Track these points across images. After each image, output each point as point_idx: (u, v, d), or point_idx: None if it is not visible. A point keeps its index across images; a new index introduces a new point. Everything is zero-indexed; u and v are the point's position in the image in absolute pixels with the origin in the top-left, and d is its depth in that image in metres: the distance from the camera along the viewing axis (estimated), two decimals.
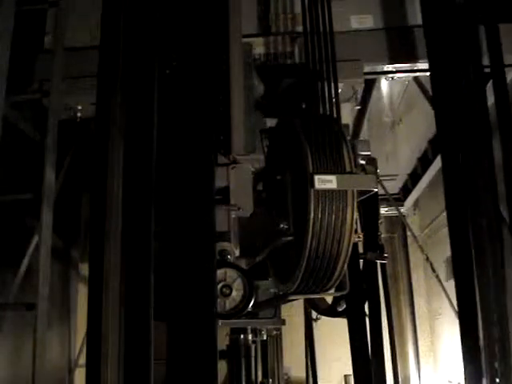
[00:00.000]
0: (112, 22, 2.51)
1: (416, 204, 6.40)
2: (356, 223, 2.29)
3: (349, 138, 2.45)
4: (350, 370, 3.58)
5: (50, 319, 2.67)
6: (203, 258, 2.26)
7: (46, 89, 3.06)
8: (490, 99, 2.88)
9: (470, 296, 2.60)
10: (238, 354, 3.81)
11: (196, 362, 2.13)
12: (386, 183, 4.63)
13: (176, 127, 2.49)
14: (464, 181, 2.74)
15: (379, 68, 3.33)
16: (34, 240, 3.10)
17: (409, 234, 6.57)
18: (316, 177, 2.22)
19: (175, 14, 2.76)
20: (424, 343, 6.84)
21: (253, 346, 3.96)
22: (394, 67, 3.32)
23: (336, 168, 2.29)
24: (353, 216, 2.26)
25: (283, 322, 3.80)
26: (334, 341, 6.24)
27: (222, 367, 3.88)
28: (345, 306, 3.44)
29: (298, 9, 3.23)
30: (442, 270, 5.32)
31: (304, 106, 3.01)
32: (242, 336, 3.78)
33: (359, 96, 3.41)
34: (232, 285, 2.60)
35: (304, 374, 5.39)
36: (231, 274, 2.61)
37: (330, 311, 3.62)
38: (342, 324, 3.67)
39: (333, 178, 2.24)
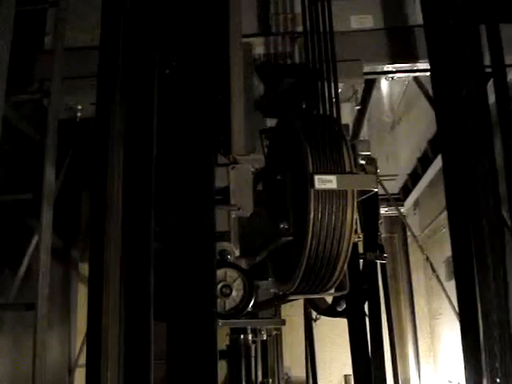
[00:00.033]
0: (112, 22, 2.51)
1: (416, 204, 6.38)
2: (356, 223, 2.29)
3: (349, 138, 2.45)
4: (350, 370, 3.59)
5: (50, 319, 2.67)
6: (203, 258, 2.27)
7: (46, 89, 3.07)
8: (491, 98, 2.88)
9: (470, 296, 2.60)
10: (237, 354, 3.80)
11: (196, 361, 2.13)
12: (385, 183, 4.63)
13: (176, 127, 2.49)
14: (465, 181, 2.73)
15: (379, 68, 3.32)
16: (34, 240, 3.11)
17: (409, 234, 6.57)
18: (316, 177, 2.22)
19: (175, 14, 2.76)
20: (424, 343, 6.83)
21: (253, 346, 3.96)
22: (394, 67, 3.32)
23: (336, 168, 2.29)
24: (353, 216, 2.26)
25: (283, 322, 3.81)
26: (334, 341, 6.26)
27: (222, 367, 3.87)
28: (345, 306, 3.44)
29: (297, 9, 3.22)
30: (442, 270, 5.32)
31: (304, 106, 3.01)
32: (241, 336, 3.78)
33: (359, 96, 3.40)
34: (232, 285, 2.60)
35: (304, 374, 5.39)
36: (231, 273, 2.61)
37: (330, 311, 3.62)
38: (342, 324, 3.67)
39: (333, 177, 2.24)
